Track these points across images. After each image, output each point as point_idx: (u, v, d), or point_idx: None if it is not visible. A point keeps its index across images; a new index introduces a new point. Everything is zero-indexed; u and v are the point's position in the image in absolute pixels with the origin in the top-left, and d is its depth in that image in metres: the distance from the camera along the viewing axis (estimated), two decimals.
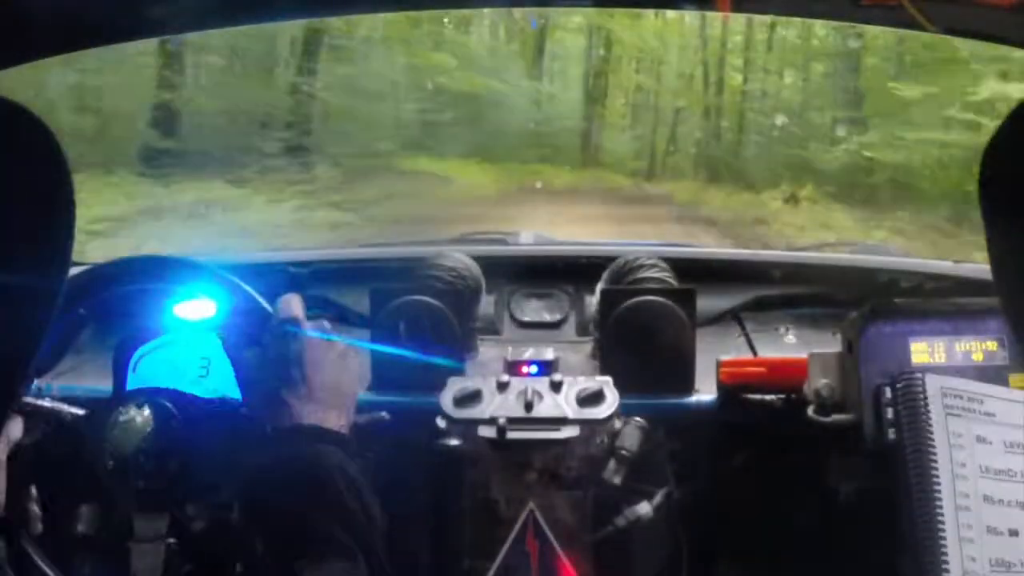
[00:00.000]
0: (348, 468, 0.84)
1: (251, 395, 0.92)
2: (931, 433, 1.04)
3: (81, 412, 1.10)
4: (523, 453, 1.20)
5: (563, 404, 1.23)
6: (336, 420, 0.89)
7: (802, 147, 10.60)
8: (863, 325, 1.16)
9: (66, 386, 1.29)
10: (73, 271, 1.01)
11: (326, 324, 0.96)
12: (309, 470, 0.82)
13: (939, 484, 1.02)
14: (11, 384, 0.62)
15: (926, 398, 1.06)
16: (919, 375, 1.07)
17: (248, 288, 1.04)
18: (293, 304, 0.96)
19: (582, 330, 1.58)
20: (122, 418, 0.98)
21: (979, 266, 1.52)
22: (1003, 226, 0.63)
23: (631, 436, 1.21)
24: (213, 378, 1.21)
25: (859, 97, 10.28)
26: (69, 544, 1.15)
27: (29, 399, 1.12)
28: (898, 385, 1.09)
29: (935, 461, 1.03)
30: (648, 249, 1.59)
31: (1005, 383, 1.15)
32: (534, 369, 1.32)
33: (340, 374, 0.93)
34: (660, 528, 1.29)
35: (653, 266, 1.47)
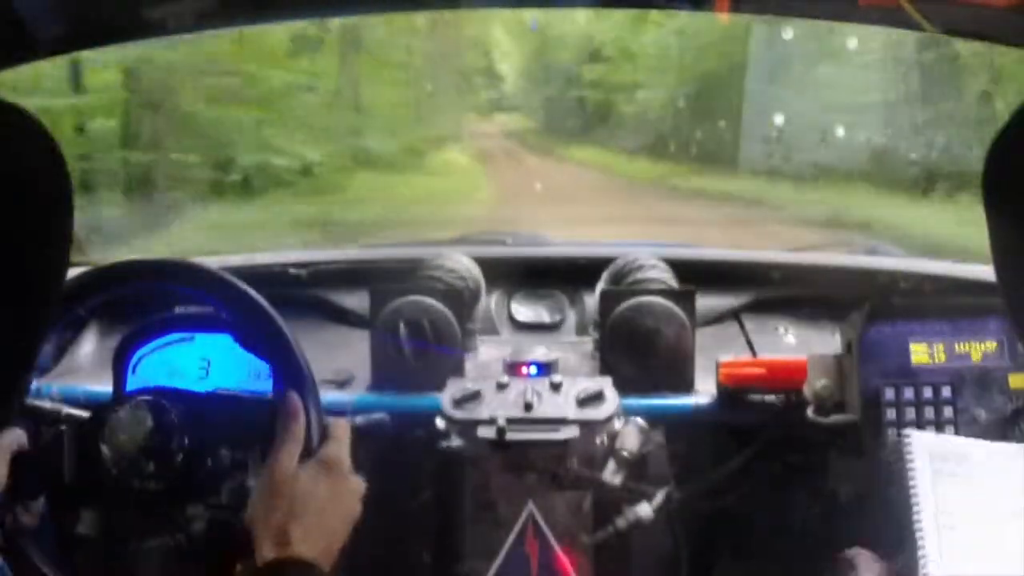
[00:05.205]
0: None
1: (263, 515, 0.89)
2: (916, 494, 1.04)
3: (81, 413, 1.10)
4: (523, 454, 1.20)
5: (563, 405, 1.23)
6: (326, 559, 0.88)
7: None
8: (863, 326, 1.16)
9: (66, 387, 1.30)
10: (74, 272, 1.01)
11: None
12: None
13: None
14: (11, 385, 0.62)
15: (913, 465, 1.05)
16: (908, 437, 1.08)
17: (249, 289, 1.04)
18: (343, 439, 0.95)
19: (581, 331, 1.58)
20: (122, 419, 0.97)
21: (979, 267, 1.52)
22: (1006, 225, 0.63)
23: (631, 437, 1.21)
24: (213, 378, 1.21)
25: None
26: (69, 545, 1.15)
27: (29, 400, 1.12)
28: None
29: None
30: (648, 250, 1.59)
31: (1005, 383, 1.15)
32: (534, 370, 1.32)
33: (344, 517, 0.92)
34: (660, 528, 1.29)
35: (653, 267, 1.47)
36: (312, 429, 0.95)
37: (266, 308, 1.01)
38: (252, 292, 1.03)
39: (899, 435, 1.09)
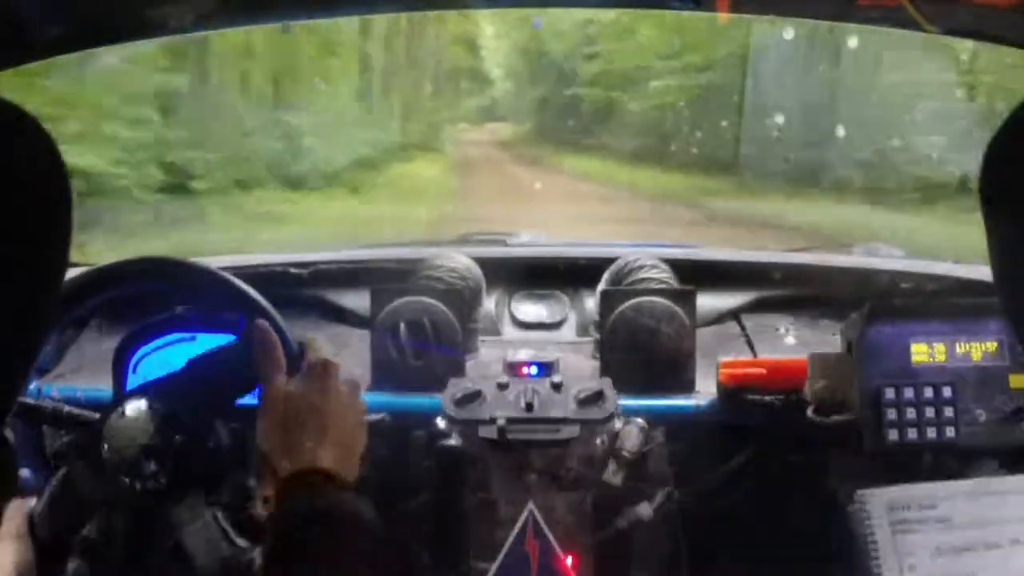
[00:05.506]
0: (365, 513, 0.84)
1: (272, 436, 0.89)
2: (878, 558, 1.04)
3: (82, 412, 1.10)
4: (523, 453, 1.20)
5: (563, 405, 1.23)
6: (348, 469, 0.88)
7: None
8: (863, 326, 1.16)
9: (66, 387, 1.30)
10: (74, 272, 1.01)
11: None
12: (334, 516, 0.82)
13: None
14: (11, 385, 0.62)
15: (871, 522, 1.05)
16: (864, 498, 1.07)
17: (248, 289, 1.04)
18: (321, 349, 0.97)
19: (582, 331, 1.58)
20: (122, 420, 0.97)
21: (979, 267, 1.52)
22: (1004, 227, 0.63)
23: (631, 437, 1.21)
24: None
25: None
26: (70, 548, 1.15)
27: (29, 400, 1.12)
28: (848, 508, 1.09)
29: None
30: (648, 250, 1.59)
31: (1005, 383, 1.15)
32: (534, 370, 1.32)
33: (351, 420, 0.92)
34: (660, 528, 1.29)
35: (653, 267, 1.47)
36: (289, 346, 0.98)
37: (247, 290, 1.03)
38: (252, 292, 1.04)
39: (856, 498, 1.09)
